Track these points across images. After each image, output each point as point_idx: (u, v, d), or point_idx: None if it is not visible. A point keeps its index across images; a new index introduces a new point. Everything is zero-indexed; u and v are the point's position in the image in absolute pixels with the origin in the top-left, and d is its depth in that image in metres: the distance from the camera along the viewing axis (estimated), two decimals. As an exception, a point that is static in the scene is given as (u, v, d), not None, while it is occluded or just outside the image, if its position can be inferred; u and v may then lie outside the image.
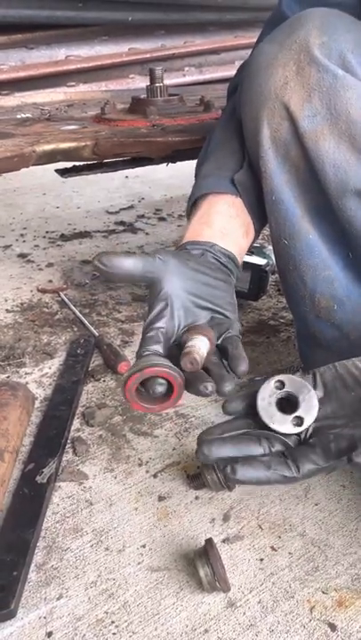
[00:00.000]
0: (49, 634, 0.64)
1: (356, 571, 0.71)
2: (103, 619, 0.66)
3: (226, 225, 0.78)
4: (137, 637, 0.64)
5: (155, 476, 0.87)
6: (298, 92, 0.71)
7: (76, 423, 0.98)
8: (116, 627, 0.65)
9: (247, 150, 0.80)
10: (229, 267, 0.75)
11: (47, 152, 0.95)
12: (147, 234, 1.85)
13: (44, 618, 0.66)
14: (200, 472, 0.83)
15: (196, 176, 0.87)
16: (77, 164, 1.22)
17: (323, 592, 0.69)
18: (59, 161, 1.01)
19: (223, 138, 0.87)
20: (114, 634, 0.64)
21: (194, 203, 0.83)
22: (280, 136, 0.73)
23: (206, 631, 0.65)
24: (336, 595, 0.69)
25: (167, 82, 1.42)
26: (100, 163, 1.15)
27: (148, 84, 1.20)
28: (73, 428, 0.96)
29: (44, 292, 1.44)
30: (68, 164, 1.26)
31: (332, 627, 0.65)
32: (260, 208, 0.81)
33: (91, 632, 0.64)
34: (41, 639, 0.64)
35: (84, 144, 0.95)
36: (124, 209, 2.08)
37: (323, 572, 0.71)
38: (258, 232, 0.85)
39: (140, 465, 0.89)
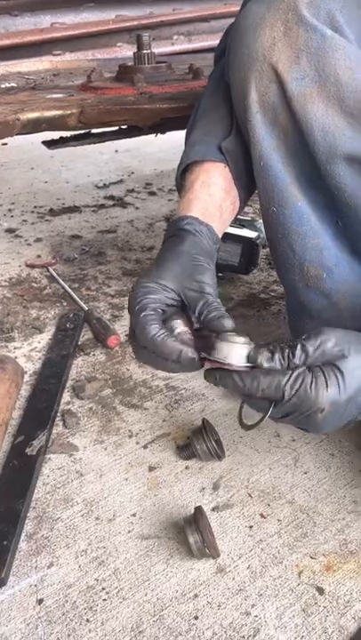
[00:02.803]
0: (40, 601, 0.65)
1: (344, 536, 0.72)
2: (94, 585, 0.67)
3: (215, 201, 0.77)
4: (127, 603, 0.65)
5: (145, 447, 0.87)
6: (286, 53, 0.69)
7: (65, 396, 0.97)
8: (107, 593, 0.66)
9: (235, 115, 0.79)
10: (214, 248, 0.74)
11: (32, 120, 0.92)
12: (137, 208, 1.82)
13: (35, 586, 0.66)
14: (190, 442, 0.83)
15: (185, 143, 0.86)
16: (64, 134, 1.20)
17: (311, 557, 0.70)
18: (44, 130, 0.99)
19: (211, 103, 0.85)
20: (104, 600, 0.65)
21: (184, 170, 0.81)
22: (268, 99, 0.72)
23: (196, 596, 0.65)
24: (324, 559, 0.69)
25: (156, 50, 1.39)
26: (87, 133, 1.13)
27: (136, 50, 1.17)
28: (63, 401, 0.96)
29: (32, 266, 1.42)
30: (55, 136, 1.24)
31: (320, 590, 0.66)
32: (248, 177, 0.80)
33: (81, 598, 0.65)
34: (32, 606, 0.64)
35: (69, 112, 0.93)
36: (113, 183, 2.05)
37: (311, 537, 0.72)
38: (244, 202, 0.84)
39: (130, 436, 0.89)
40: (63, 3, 1.47)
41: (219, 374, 0.61)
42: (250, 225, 1.34)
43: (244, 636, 0.61)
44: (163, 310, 0.64)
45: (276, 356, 0.59)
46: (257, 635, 0.61)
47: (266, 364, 0.59)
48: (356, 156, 0.70)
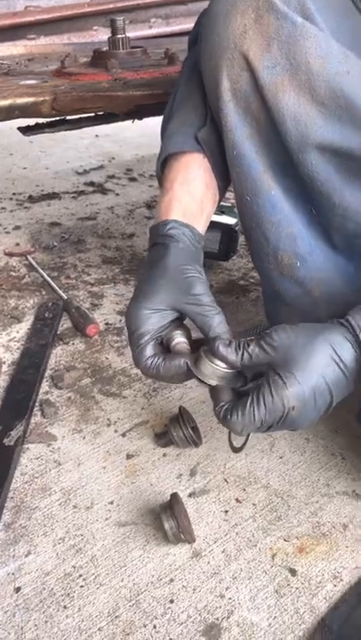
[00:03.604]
0: (17, 589, 0.66)
1: (317, 519, 0.74)
2: (71, 572, 0.68)
3: (196, 199, 0.77)
4: (104, 589, 0.66)
5: (123, 435, 0.88)
6: (257, 41, 0.68)
7: (44, 386, 0.97)
8: (84, 580, 0.67)
9: (209, 104, 0.78)
10: (199, 248, 0.75)
11: (4, 108, 0.91)
12: (117, 195, 1.81)
13: (13, 574, 0.67)
14: (167, 430, 0.84)
15: (162, 134, 0.85)
16: (40, 121, 1.18)
17: (285, 540, 0.71)
18: (17, 117, 0.98)
19: (186, 92, 0.84)
20: (81, 586, 0.66)
21: (163, 163, 0.81)
22: (240, 88, 0.72)
23: (172, 580, 0.67)
24: (297, 542, 0.71)
25: (132, 34, 1.37)
26: (62, 119, 1.12)
27: (110, 35, 1.15)
28: (41, 391, 0.96)
29: (11, 255, 1.41)
30: (31, 122, 1.22)
31: (293, 572, 0.68)
32: (225, 165, 0.80)
33: (59, 585, 0.66)
34: (9, 595, 0.65)
35: (42, 99, 0.92)
36: (93, 169, 2.03)
37: (285, 521, 0.74)
38: (224, 191, 0.85)
39: (108, 425, 0.89)
40: (37, -15, 1.44)
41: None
42: (229, 211, 1.33)
43: (218, 618, 0.63)
44: (160, 333, 0.67)
45: (233, 348, 0.62)
46: (231, 616, 0.63)
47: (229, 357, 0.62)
48: (327, 145, 0.70)
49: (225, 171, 0.80)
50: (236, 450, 0.68)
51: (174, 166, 0.79)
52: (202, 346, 0.66)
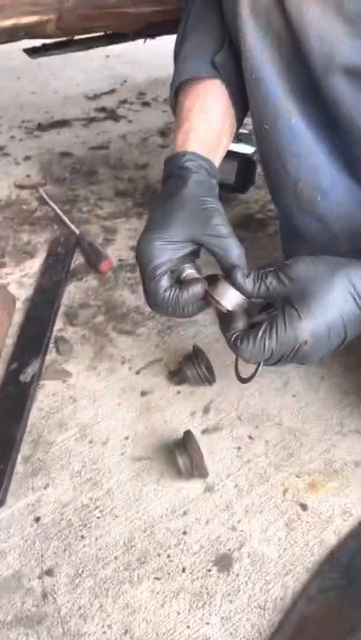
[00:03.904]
0: (37, 519, 0.68)
1: (330, 456, 0.75)
2: (88, 504, 0.70)
3: (214, 130, 0.73)
4: (120, 520, 0.68)
5: (137, 372, 0.88)
6: None
7: (59, 323, 0.97)
8: (100, 511, 0.69)
9: (226, 23, 0.72)
10: (215, 183, 0.71)
11: (7, 28, 0.85)
12: (129, 121, 1.73)
13: (32, 505, 0.70)
14: (181, 368, 0.84)
15: (175, 58, 0.79)
16: (47, 41, 1.11)
17: (296, 476, 0.73)
18: (22, 38, 0.91)
19: (201, 11, 0.77)
20: (98, 517, 0.69)
21: (177, 89, 0.76)
22: (260, 2, 0.65)
23: (185, 513, 0.69)
24: (309, 478, 0.72)
25: None
26: (70, 40, 1.05)
27: None
28: (56, 328, 0.96)
29: (22, 187, 1.38)
30: (38, 43, 1.15)
31: (304, 507, 0.69)
32: (244, 93, 0.74)
33: (76, 516, 0.69)
34: (29, 524, 0.68)
35: (46, 18, 0.85)
36: (105, 93, 1.93)
37: (297, 457, 0.75)
38: (241, 121, 0.80)
39: (122, 363, 0.90)
40: None
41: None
42: (247, 139, 1.27)
43: (229, 549, 0.65)
44: (174, 266, 0.64)
45: (251, 278, 0.61)
46: (242, 547, 0.65)
47: (239, 279, 0.61)
48: (354, 68, 0.65)
49: (243, 98, 0.75)
50: (243, 380, 0.67)
51: (190, 93, 0.74)
52: (214, 280, 0.64)
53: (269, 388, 0.84)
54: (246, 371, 0.66)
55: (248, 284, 0.61)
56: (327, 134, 0.72)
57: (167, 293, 0.63)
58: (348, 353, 0.86)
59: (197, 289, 0.63)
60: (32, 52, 1.13)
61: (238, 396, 0.83)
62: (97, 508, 0.70)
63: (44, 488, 0.72)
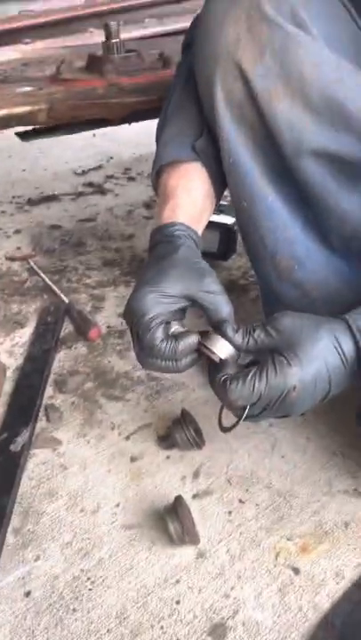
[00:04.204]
0: (27, 593, 0.67)
1: (319, 518, 0.75)
2: (79, 576, 0.69)
3: (197, 207, 0.78)
4: (112, 591, 0.68)
5: (127, 438, 0.89)
6: (250, 49, 0.69)
7: (48, 391, 0.99)
8: (92, 582, 0.69)
9: (205, 112, 0.79)
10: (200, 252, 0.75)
11: (1, 118, 0.92)
12: (116, 195, 1.82)
13: (23, 579, 0.69)
14: (170, 432, 0.85)
15: (157, 141, 0.86)
16: (38, 126, 1.19)
17: (287, 539, 0.73)
18: (14, 126, 0.99)
19: (182, 101, 0.85)
20: (90, 589, 0.68)
21: (159, 171, 0.82)
22: (234, 97, 0.73)
23: (178, 581, 0.68)
24: (300, 541, 0.73)
25: (127, 35, 1.37)
26: (59, 125, 1.12)
27: (104, 40, 1.16)
28: (46, 395, 0.98)
29: (12, 259, 1.43)
30: (28, 127, 1.23)
31: (296, 570, 0.69)
32: (222, 173, 0.81)
33: (68, 589, 0.68)
34: (20, 599, 0.67)
35: (38, 108, 0.93)
36: (92, 169, 2.03)
37: (288, 520, 0.75)
38: (220, 198, 0.86)
39: (112, 429, 0.91)
40: (30, -11, 1.44)
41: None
42: (228, 210, 1.34)
43: (223, 618, 0.65)
44: (167, 319, 0.66)
45: (240, 333, 0.64)
46: (236, 615, 0.65)
47: (230, 333, 0.64)
48: (321, 151, 0.71)
49: (222, 179, 0.81)
50: (225, 429, 0.68)
51: (174, 174, 0.80)
52: (205, 333, 0.67)
53: (258, 450, 0.86)
54: (229, 422, 0.67)
55: (238, 337, 0.64)
56: (301, 210, 0.78)
57: (163, 344, 0.65)
58: (332, 414, 0.88)
59: (193, 339, 0.65)
60: (23, 136, 1.20)
61: (228, 459, 0.84)
62: (88, 579, 0.69)
63: (35, 560, 0.71)
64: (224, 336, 0.65)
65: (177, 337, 0.66)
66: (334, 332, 0.62)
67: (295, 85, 0.69)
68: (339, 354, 0.61)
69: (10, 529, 0.74)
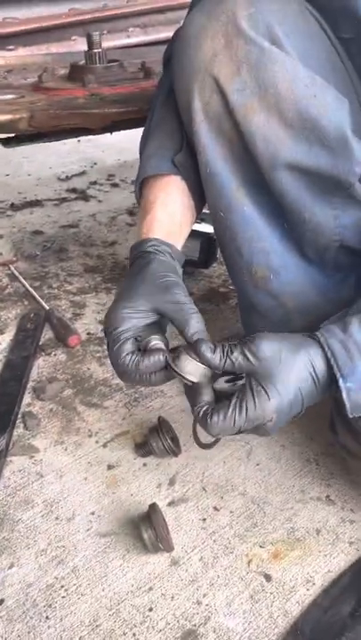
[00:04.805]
0: (1, 601, 0.68)
1: (292, 525, 0.77)
2: (53, 584, 0.70)
3: (175, 220, 0.79)
4: (85, 599, 0.68)
5: (104, 445, 0.90)
6: (227, 64, 0.71)
7: (27, 398, 0.99)
8: (66, 590, 0.69)
9: (184, 125, 0.80)
10: (179, 265, 0.77)
11: (-18, 125, 0.93)
12: (99, 201, 1.83)
13: (-4, 586, 0.69)
14: (147, 440, 0.86)
15: (140, 154, 0.87)
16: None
17: (260, 546, 0.74)
18: (-4, 133, 0.99)
19: (163, 115, 0.86)
20: (63, 597, 0.68)
21: (142, 183, 0.83)
22: (212, 109, 0.74)
23: (151, 589, 0.69)
24: (272, 548, 0.74)
25: (111, 43, 1.38)
26: (40, 133, 1.13)
27: (87, 49, 1.17)
28: (24, 403, 0.98)
29: (-7, 265, 1.42)
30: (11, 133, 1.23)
31: (268, 577, 0.70)
32: (201, 186, 0.82)
33: (41, 596, 0.68)
34: (-7, 607, 0.67)
35: (19, 116, 0.94)
36: (76, 175, 2.04)
37: (261, 527, 0.76)
38: (200, 209, 0.87)
39: (90, 436, 0.91)
40: (15, -4, 1.45)
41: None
42: (209, 219, 1.35)
43: (195, 625, 0.65)
44: (139, 333, 0.68)
45: (218, 353, 0.63)
46: (208, 622, 0.66)
47: (209, 355, 0.63)
48: (296, 164, 0.73)
49: (201, 191, 0.83)
50: (204, 446, 0.69)
51: (153, 188, 0.81)
52: (178, 352, 0.66)
53: (234, 458, 0.87)
54: (206, 436, 0.68)
55: (215, 358, 0.63)
56: (277, 220, 0.80)
57: (128, 357, 0.66)
58: (307, 422, 0.90)
59: (159, 357, 0.66)
60: (5, 143, 1.21)
61: (203, 467, 0.85)
62: (62, 587, 0.69)
63: (9, 568, 0.71)
64: (200, 356, 0.63)
65: (145, 352, 0.67)
66: (311, 357, 0.63)
67: (270, 100, 0.70)
68: (313, 378, 0.63)
69: (-16, 537, 0.75)
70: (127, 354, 0.66)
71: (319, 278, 0.83)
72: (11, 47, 1.41)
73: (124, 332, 0.67)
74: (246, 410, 0.61)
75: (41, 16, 1.49)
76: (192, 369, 0.64)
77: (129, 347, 0.67)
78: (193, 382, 0.65)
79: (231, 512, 0.78)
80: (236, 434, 0.64)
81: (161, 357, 0.66)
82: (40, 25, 1.44)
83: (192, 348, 0.64)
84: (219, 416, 0.62)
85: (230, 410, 0.62)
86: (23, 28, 1.43)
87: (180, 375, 0.64)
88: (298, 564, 0.72)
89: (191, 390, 0.66)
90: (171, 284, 0.70)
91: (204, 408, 0.63)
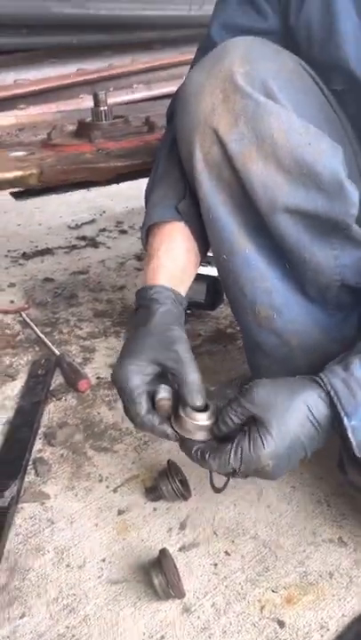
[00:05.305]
0: (11, 652, 0.67)
1: (304, 568, 0.75)
2: (64, 633, 0.69)
3: (179, 266, 0.83)
4: (96, 649, 0.67)
5: (115, 490, 0.90)
6: (225, 117, 0.75)
7: (38, 444, 1.00)
8: (77, 640, 0.68)
9: (187, 174, 0.84)
10: (182, 309, 0.80)
11: (-6, 182, 0.97)
12: (108, 248, 1.87)
13: (8, 637, 0.69)
14: (156, 483, 0.86)
15: (145, 203, 0.91)
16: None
17: (273, 591, 0.73)
18: (7, 189, 1.04)
19: (166, 167, 0.91)
20: (74, 647, 0.67)
21: (147, 230, 0.87)
22: (212, 158, 0.78)
23: (163, 637, 0.68)
24: (285, 592, 0.73)
25: (117, 99, 1.45)
26: (49, 187, 1.18)
27: (93, 107, 1.23)
28: (35, 448, 0.99)
29: (5, 312, 1.46)
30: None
31: (281, 623, 0.69)
32: (204, 231, 0.85)
33: (52, 647, 0.67)
34: (4, 658, 0.66)
35: (29, 172, 0.98)
36: (85, 223, 2.10)
37: (273, 571, 0.75)
38: (204, 253, 0.90)
39: (100, 481, 0.92)
40: (25, 60, 1.54)
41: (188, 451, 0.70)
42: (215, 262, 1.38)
43: (208, 675, 0.64)
44: (148, 388, 0.72)
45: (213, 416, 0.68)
46: (221, 672, 0.64)
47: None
48: (294, 208, 0.76)
49: (205, 235, 0.86)
50: (217, 490, 0.72)
51: (158, 235, 0.84)
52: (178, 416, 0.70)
53: (244, 500, 0.86)
54: (220, 480, 0.70)
55: (216, 429, 0.68)
56: (279, 261, 0.82)
57: (146, 419, 0.71)
58: (317, 462, 0.89)
59: (167, 431, 0.71)
60: (17, 196, 1.26)
61: (214, 510, 0.85)
62: (73, 636, 0.69)
63: (20, 617, 0.71)
64: (196, 421, 0.68)
65: (159, 412, 0.71)
66: (308, 403, 0.65)
67: (267, 149, 0.74)
68: (312, 423, 0.65)
69: (-4, 586, 0.74)
70: (145, 416, 0.71)
71: (322, 317, 0.85)
72: (22, 106, 1.48)
73: (134, 389, 0.71)
74: (242, 454, 0.64)
75: (50, 77, 1.57)
76: (194, 427, 0.69)
77: (145, 407, 0.71)
78: (200, 440, 0.69)
79: (243, 556, 0.78)
80: (241, 477, 0.65)
81: (169, 432, 0.70)
82: (49, 85, 1.53)
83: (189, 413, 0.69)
84: (215, 457, 0.66)
85: (225, 451, 0.65)
86: (33, 88, 1.52)
87: (186, 438, 0.69)
88: (311, 608, 0.70)
89: (186, 441, 0.70)
90: (174, 340, 0.73)
91: (201, 448, 0.68)
